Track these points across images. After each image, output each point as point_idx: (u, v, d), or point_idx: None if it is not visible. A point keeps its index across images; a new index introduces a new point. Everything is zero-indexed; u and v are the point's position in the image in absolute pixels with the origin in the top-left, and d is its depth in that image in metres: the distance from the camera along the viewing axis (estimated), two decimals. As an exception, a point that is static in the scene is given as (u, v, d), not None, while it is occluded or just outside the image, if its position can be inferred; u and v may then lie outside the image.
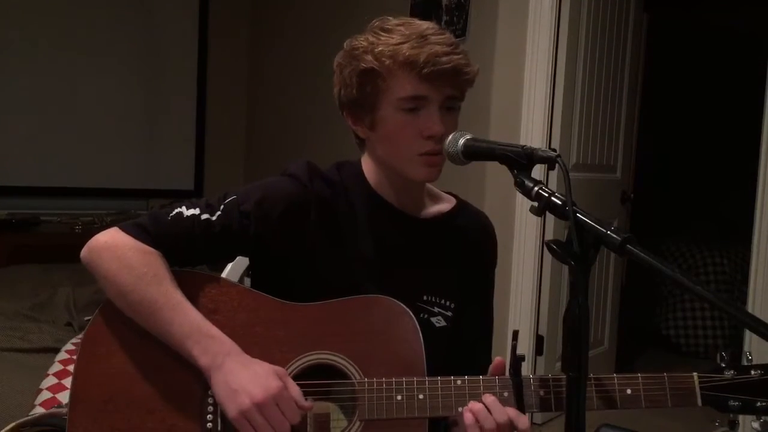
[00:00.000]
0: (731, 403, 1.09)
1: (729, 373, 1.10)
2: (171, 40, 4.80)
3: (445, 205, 1.36)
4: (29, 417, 1.45)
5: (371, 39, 1.20)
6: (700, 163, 5.59)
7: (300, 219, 1.22)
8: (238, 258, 1.57)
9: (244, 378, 1.08)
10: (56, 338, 2.58)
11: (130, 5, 4.65)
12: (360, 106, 1.22)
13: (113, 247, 1.16)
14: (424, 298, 1.28)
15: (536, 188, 1.02)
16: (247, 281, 1.52)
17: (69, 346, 2.35)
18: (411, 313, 1.17)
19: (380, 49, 1.17)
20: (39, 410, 1.93)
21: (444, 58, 1.15)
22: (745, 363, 1.11)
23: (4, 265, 3.62)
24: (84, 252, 1.18)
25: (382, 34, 1.20)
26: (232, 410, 1.07)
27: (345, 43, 1.25)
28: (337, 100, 1.27)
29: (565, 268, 1.18)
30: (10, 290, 3.14)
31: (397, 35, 1.18)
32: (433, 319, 1.27)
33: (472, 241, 1.36)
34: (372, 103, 1.20)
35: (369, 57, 1.18)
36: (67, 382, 2.03)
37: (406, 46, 1.16)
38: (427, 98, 1.17)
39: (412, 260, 1.28)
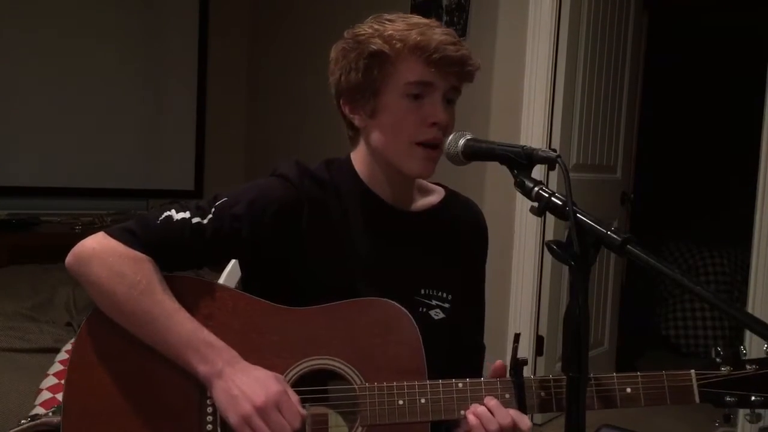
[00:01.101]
0: (727, 398, 1.10)
1: (725, 369, 1.11)
2: (171, 40, 4.80)
3: (435, 196, 1.36)
4: (20, 427, 1.44)
5: (376, 26, 1.21)
6: (700, 163, 5.58)
7: (293, 220, 1.21)
8: (234, 261, 1.56)
9: (245, 384, 1.07)
10: (56, 338, 2.58)
11: (131, 5, 4.65)
12: (362, 92, 1.22)
13: (101, 254, 1.11)
14: (422, 291, 1.28)
15: (536, 189, 1.02)
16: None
17: (69, 347, 2.35)
18: (410, 315, 1.16)
19: (389, 33, 1.18)
20: (39, 410, 1.93)
21: (451, 47, 1.17)
22: (740, 358, 1.12)
23: (4, 265, 3.62)
24: (69, 259, 1.13)
25: (387, 22, 1.21)
26: (233, 417, 1.07)
27: (345, 33, 1.25)
28: (335, 88, 1.26)
29: (566, 269, 1.18)
30: (10, 290, 3.13)
31: (402, 24, 1.20)
32: (432, 312, 1.27)
33: (465, 231, 1.37)
34: (376, 88, 1.20)
35: (378, 41, 1.18)
36: (67, 382, 2.03)
37: (415, 31, 1.18)
38: (432, 85, 1.18)
39: (408, 255, 1.28)
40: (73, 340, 2.41)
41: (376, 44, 1.18)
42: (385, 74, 1.19)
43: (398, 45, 1.17)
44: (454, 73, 1.19)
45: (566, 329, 0.93)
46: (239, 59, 5.12)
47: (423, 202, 1.33)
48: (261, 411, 1.05)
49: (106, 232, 1.15)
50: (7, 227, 4.14)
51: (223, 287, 1.21)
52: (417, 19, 1.22)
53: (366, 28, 1.22)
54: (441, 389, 1.12)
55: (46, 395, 2.04)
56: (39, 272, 3.42)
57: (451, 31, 1.21)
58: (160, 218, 1.16)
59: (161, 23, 4.76)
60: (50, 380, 2.10)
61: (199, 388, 1.11)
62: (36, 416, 1.47)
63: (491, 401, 1.11)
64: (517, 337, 1.14)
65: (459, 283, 1.32)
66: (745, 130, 3.46)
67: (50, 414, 1.51)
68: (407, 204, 1.31)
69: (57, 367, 2.17)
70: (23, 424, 1.42)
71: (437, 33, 1.18)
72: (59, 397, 2.01)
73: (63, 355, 2.26)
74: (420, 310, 1.26)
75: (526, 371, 1.14)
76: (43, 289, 3.15)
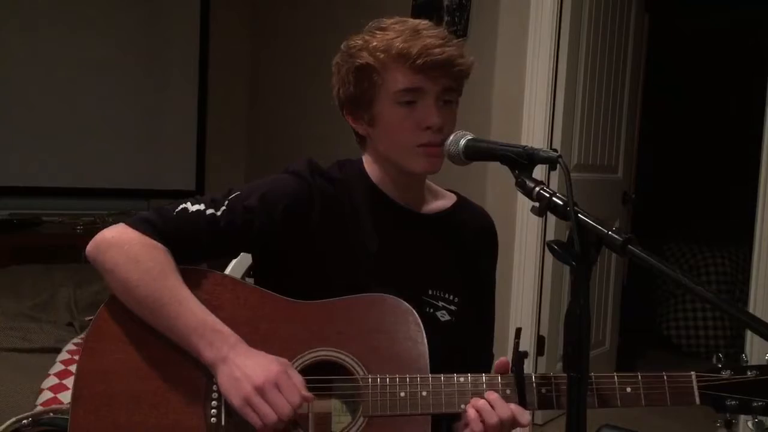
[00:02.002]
0: (729, 402, 1.10)
1: (726, 373, 1.11)
2: (172, 40, 4.81)
3: (446, 201, 1.38)
4: (29, 412, 1.45)
5: (367, 38, 1.24)
6: (701, 163, 5.58)
7: (303, 215, 1.23)
8: (240, 256, 1.57)
9: (247, 366, 1.09)
10: (57, 338, 2.58)
11: (131, 3, 4.65)
12: (358, 103, 1.25)
13: (120, 242, 1.16)
14: (430, 292, 1.29)
15: (537, 189, 1.02)
16: (249, 281, 1.52)
17: (70, 346, 2.35)
18: (415, 312, 1.18)
19: (374, 44, 1.21)
20: (40, 410, 1.93)
21: (436, 50, 1.18)
22: (742, 363, 1.12)
23: (5, 265, 3.62)
24: (90, 247, 1.18)
25: (377, 32, 1.23)
26: (235, 399, 1.08)
27: (342, 45, 1.28)
28: (337, 100, 1.30)
29: (567, 269, 1.18)
30: (11, 290, 3.13)
31: (392, 32, 1.22)
32: (438, 314, 1.29)
33: (475, 237, 1.38)
34: (369, 99, 1.23)
35: (364, 53, 1.22)
36: (69, 382, 2.03)
37: (399, 39, 1.19)
38: (422, 90, 1.20)
39: (416, 255, 1.29)
40: (74, 340, 2.43)
41: (362, 58, 1.22)
42: (375, 85, 1.22)
43: (382, 56, 1.20)
44: (444, 75, 1.20)
45: (567, 329, 0.94)
46: (241, 58, 5.12)
47: (434, 206, 1.36)
48: (260, 390, 1.07)
49: (125, 222, 1.19)
50: (9, 227, 4.14)
51: (233, 280, 1.25)
52: (410, 23, 1.23)
53: (357, 39, 1.25)
54: (442, 383, 1.14)
55: (47, 395, 2.04)
56: (40, 272, 3.42)
57: (440, 32, 1.22)
58: (177, 210, 1.20)
59: (162, 22, 4.76)
60: (51, 380, 2.10)
61: (206, 376, 1.14)
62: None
63: (492, 395, 1.12)
64: (518, 332, 1.15)
65: (467, 288, 1.33)
66: (746, 130, 3.46)
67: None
68: (417, 206, 1.33)
69: (58, 366, 2.18)
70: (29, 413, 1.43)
71: (423, 37, 1.19)
72: (60, 396, 2.02)
73: (64, 355, 2.26)
74: (427, 310, 1.27)
75: (527, 369, 1.14)
76: (45, 289, 3.16)
